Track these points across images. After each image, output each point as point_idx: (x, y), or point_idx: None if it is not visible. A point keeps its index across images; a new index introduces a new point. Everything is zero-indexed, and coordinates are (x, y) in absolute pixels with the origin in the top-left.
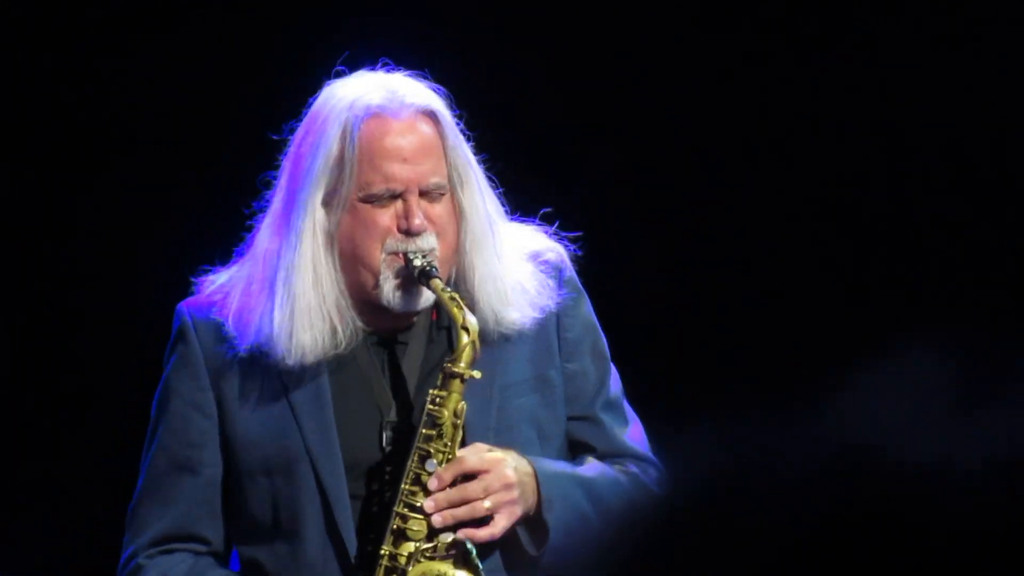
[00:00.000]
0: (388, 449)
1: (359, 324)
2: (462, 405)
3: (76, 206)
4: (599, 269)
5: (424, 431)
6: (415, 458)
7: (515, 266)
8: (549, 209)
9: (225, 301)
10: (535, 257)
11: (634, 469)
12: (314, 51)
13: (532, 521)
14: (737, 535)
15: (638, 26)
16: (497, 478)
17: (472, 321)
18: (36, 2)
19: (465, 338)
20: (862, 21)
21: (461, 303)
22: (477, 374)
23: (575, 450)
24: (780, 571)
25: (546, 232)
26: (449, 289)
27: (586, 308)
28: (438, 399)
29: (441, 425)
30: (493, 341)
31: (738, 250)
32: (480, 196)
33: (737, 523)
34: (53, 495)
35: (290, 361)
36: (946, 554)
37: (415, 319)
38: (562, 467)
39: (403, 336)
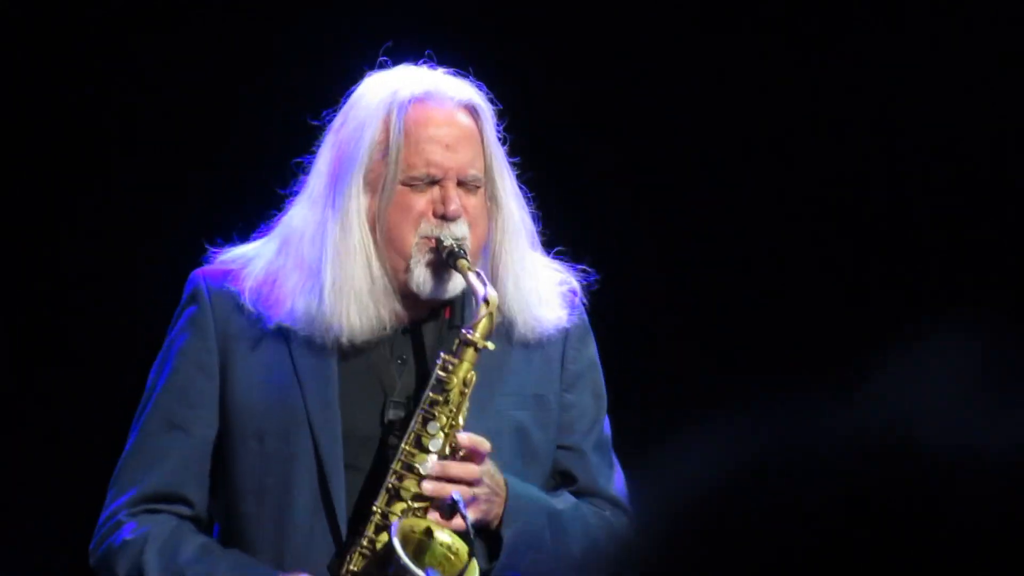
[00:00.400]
0: (387, 425)
1: (391, 309)
2: (472, 375)
3: (78, 203)
4: (605, 265)
5: (431, 395)
6: (418, 419)
7: (541, 274)
8: (563, 248)
9: (242, 273)
10: (555, 285)
11: (608, 515)
12: (342, 45)
13: (490, 535)
14: (765, 523)
15: (637, 25)
16: (489, 474)
17: (493, 294)
18: None
19: (484, 309)
20: (861, 20)
21: (484, 278)
22: (491, 345)
23: (556, 480)
24: (811, 558)
25: (564, 266)
26: (474, 268)
27: (592, 348)
28: (449, 365)
29: (449, 391)
30: (508, 346)
31: (761, 238)
32: (514, 197)
33: (765, 512)
34: (51, 494)
35: (342, 340)
36: (973, 542)
37: (429, 313)
38: (534, 491)
39: (415, 327)
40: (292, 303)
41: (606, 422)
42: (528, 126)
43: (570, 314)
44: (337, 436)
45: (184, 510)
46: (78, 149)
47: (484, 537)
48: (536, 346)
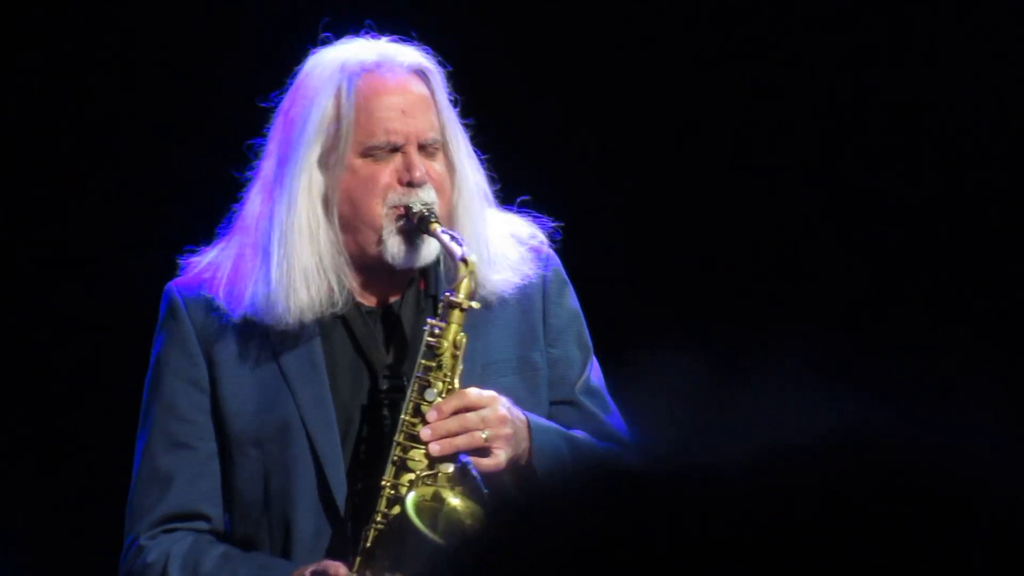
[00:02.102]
0: (382, 403)
1: (354, 288)
2: (461, 336)
3: (59, 194)
4: (578, 252)
5: (423, 362)
6: (415, 388)
7: (499, 234)
8: (526, 197)
9: (214, 277)
10: (520, 241)
11: (616, 449)
12: (291, 23)
13: (520, 468)
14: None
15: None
16: (494, 412)
17: (472, 255)
18: None
19: (464, 270)
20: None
21: (460, 239)
22: (476, 304)
23: None
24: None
25: (530, 219)
26: (448, 230)
27: (572, 298)
28: (437, 329)
29: (440, 356)
30: (476, 315)
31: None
32: (468, 158)
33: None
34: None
35: (289, 320)
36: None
37: (405, 290)
38: (551, 423)
39: (394, 306)
40: (250, 293)
41: (595, 368)
42: (478, 85)
43: (545, 268)
44: (334, 435)
45: (202, 525)
46: (54, 134)
47: (511, 470)
48: (509, 307)
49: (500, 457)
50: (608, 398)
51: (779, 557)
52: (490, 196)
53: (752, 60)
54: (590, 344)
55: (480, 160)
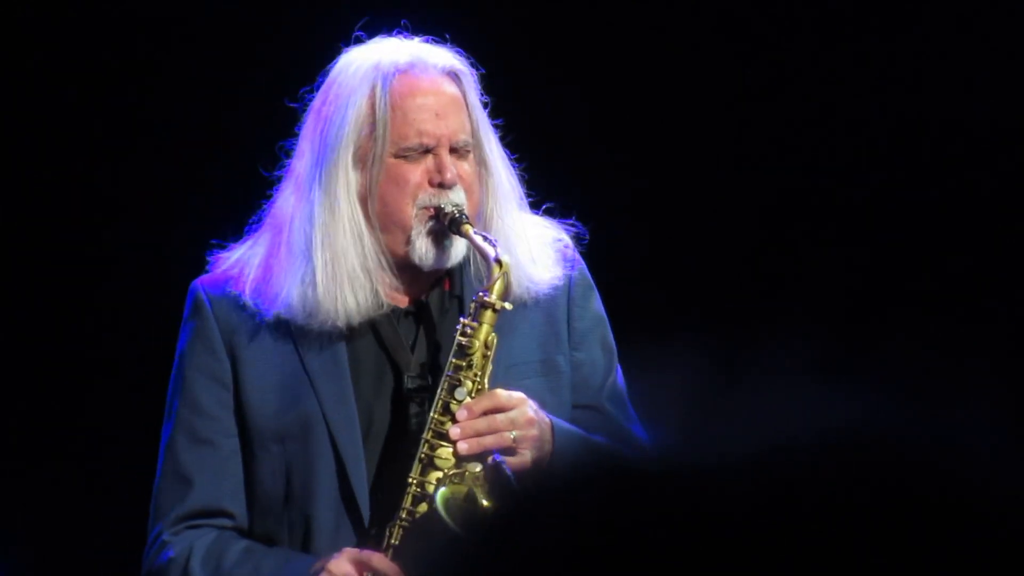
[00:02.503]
0: (406, 409)
1: (383, 288)
2: (493, 337)
3: (87, 193)
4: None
5: (454, 361)
6: (445, 387)
7: (531, 236)
8: (552, 204)
9: (241, 274)
10: (548, 244)
11: (634, 454)
12: (323, 21)
13: (540, 470)
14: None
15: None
16: (522, 414)
17: (505, 256)
18: None
19: (497, 271)
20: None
21: (492, 240)
22: (509, 306)
23: None
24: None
25: (555, 223)
26: (480, 231)
27: (597, 302)
28: (468, 329)
29: (471, 355)
30: (503, 317)
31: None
32: (500, 159)
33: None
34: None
35: (338, 323)
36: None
37: (430, 290)
38: (574, 428)
39: (419, 306)
40: (287, 292)
41: (619, 375)
42: (510, 88)
43: (570, 271)
44: (355, 431)
45: (226, 522)
46: (85, 132)
47: (533, 472)
48: (535, 309)
49: (526, 457)
50: (630, 405)
51: (780, 555)
52: (522, 198)
53: (759, 63)
54: (615, 349)
55: (511, 161)
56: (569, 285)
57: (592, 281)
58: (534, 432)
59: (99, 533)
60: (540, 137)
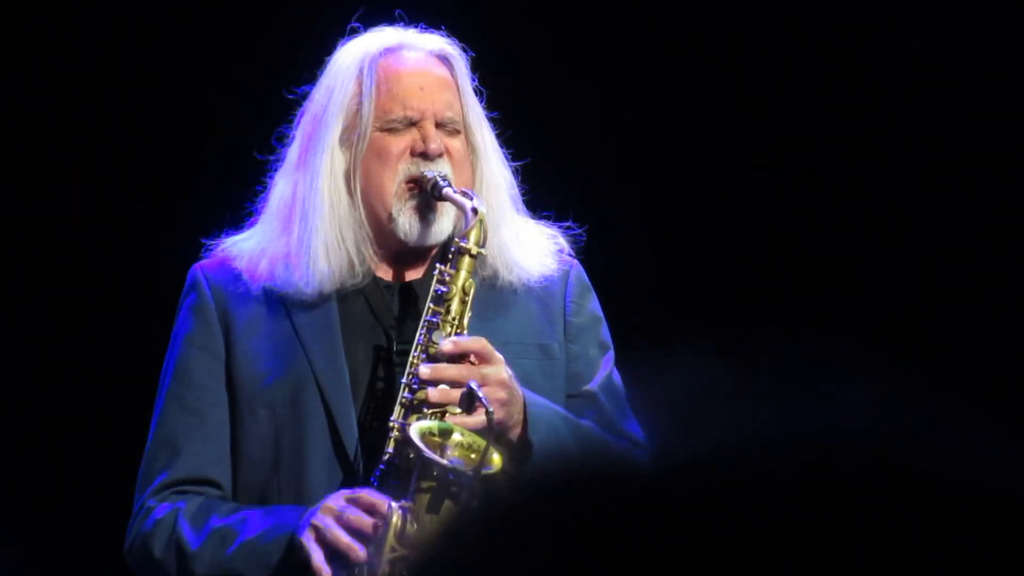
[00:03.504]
0: (393, 374)
1: (374, 263)
2: (470, 283)
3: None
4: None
5: (432, 306)
6: (423, 330)
7: (527, 223)
8: (550, 213)
9: (237, 256)
10: (545, 238)
11: (630, 447)
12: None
13: (515, 443)
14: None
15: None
16: (496, 373)
17: (482, 206)
18: None
19: (474, 218)
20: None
21: (471, 192)
22: (484, 251)
23: None
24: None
25: (550, 225)
26: (459, 189)
27: (593, 301)
28: (446, 275)
29: (449, 301)
30: (499, 297)
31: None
32: (493, 147)
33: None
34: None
35: (307, 290)
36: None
37: (425, 268)
38: (551, 404)
39: (413, 284)
40: (270, 263)
41: (616, 374)
42: (507, 83)
43: (569, 270)
44: (346, 391)
45: (212, 491)
46: (83, 128)
47: (510, 446)
48: (532, 299)
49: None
50: (626, 403)
51: (788, 555)
52: (517, 194)
53: (759, 63)
54: (611, 348)
55: (507, 156)
56: (567, 280)
57: (590, 283)
58: (502, 394)
59: (96, 533)
60: (538, 135)
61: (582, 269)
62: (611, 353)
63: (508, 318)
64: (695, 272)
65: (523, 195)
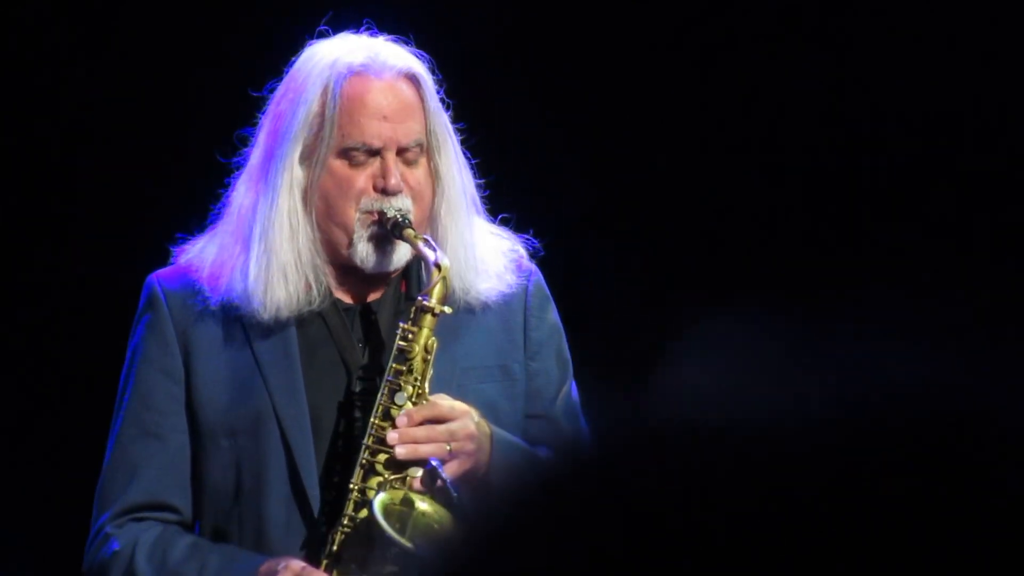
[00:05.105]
0: (355, 404)
1: (332, 284)
2: (432, 341)
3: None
4: (553, 231)
5: (394, 365)
6: (385, 391)
7: (486, 241)
8: (509, 216)
9: (197, 267)
10: (504, 253)
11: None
12: (290, 12)
13: (477, 481)
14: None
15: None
16: (463, 427)
17: (444, 259)
18: None
19: (437, 274)
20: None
21: (433, 244)
22: (448, 309)
23: None
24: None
25: (512, 234)
26: (422, 235)
27: (553, 313)
28: (409, 334)
29: (412, 360)
30: (458, 320)
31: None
32: (456, 164)
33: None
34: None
35: (265, 316)
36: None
37: (385, 289)
38: (517, 440)
39: (372, 305)
40: (229, 283)
41: (573, 387)
42: (472, 92)
43: (527, 282)
44: (306, 426)
45: (170, 516)
46: (45, 123)
47: (471, 483)
48: (491, 315)
49: (450, 471)
50: (582, 418)
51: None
52: (478, 202)
53: (724, 65)
54: (570, 361)
55: (470, 165)
56: (526, 294)
57: (549, 293)
58: (471, 447)
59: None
60: (502, 142)
61: (542, 279)
62: (570, 367)
63: (468, 341)
64: (657, 276)
65: (485, 202)
